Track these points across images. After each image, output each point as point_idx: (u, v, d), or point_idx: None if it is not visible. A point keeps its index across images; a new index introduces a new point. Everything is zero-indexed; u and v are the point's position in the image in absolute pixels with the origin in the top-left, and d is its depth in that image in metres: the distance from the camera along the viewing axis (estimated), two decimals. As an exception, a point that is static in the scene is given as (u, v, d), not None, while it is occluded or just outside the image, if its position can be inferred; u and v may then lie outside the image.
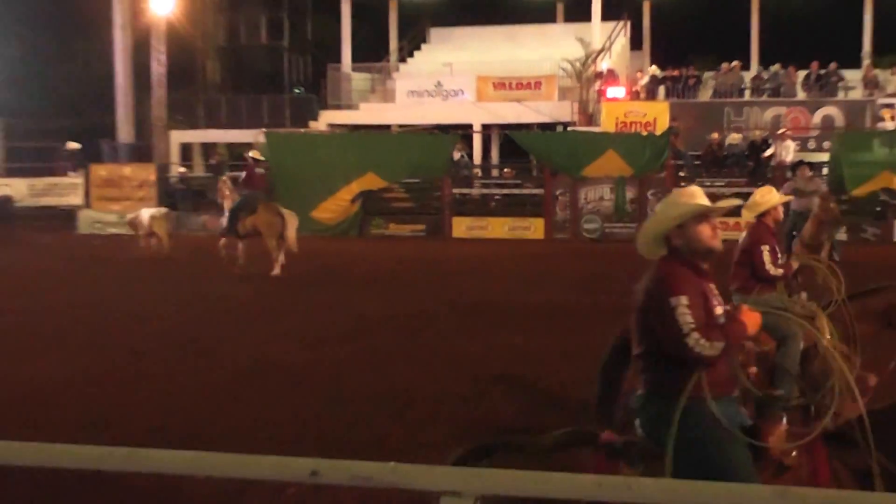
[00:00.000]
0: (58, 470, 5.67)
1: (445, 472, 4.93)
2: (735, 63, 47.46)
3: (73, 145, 46.08)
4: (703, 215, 7.23)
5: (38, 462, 5.59)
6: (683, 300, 6.86)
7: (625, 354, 10.01)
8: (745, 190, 39.58)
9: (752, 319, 7.07)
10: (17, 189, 43.03)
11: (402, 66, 52.77)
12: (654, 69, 48.43)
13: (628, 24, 51.67)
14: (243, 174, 31.75)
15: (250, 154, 32.33)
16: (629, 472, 6.93)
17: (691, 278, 7.08)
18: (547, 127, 46.48)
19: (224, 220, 29.84)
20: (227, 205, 29.87)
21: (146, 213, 34.72)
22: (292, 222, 29.33)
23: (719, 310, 7.17)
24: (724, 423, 6.88)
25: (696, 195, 7.37)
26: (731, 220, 38.03)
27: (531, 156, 43.71)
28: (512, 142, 44.19)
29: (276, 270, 28.18)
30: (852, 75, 46.37)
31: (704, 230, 7.19)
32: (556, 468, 5.63)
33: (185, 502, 9.81)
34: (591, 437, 7.34)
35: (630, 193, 38.87)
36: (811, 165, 29.07)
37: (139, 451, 5.27)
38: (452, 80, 48.39)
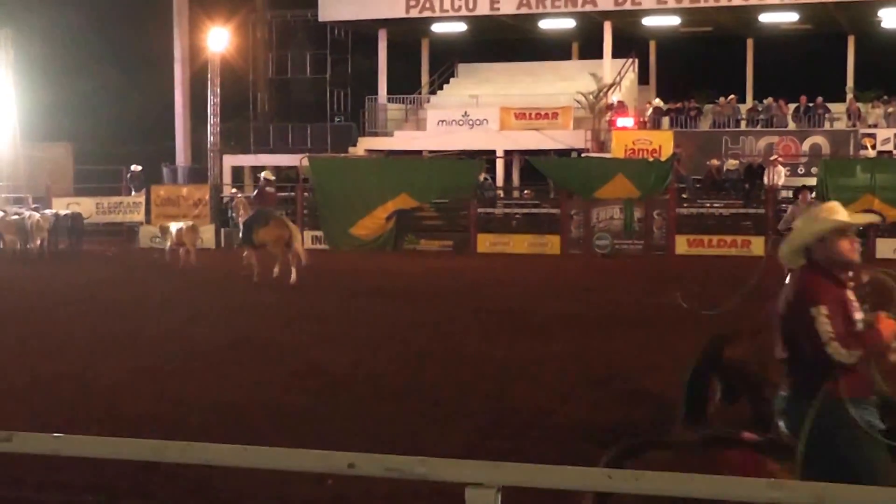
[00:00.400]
0: (120, 461, 5.65)
1: (470, 465, 4.90)
2: (732, 96, 47.46)
3: (136, 168, 46.23)
4: (842, 230, 7.09)
5: (103, 454, 5.58)
6: (823, 310, 6.73)
7: (713, 361, 9.88)
8: (742, 211, 39.72)
9: (888, 327, 6.87)
10: (86, 207, 43.08)
11: (432, 98, 52.79)
12: (658, 102, 48.37)
13: (636, 61, 51.59)
14: (255, 192, 32.29)
15: (262, 174, 32.85)
16: (775, 467, 6.84)
17: (831, 288, 6.93)
18: (563, 153, 46.40)
19: (240, 234, 30.54)
20: (242, 220, 30.33)
21: (175, 226, 35.03)
22: (298, 235, 29.72)
23: (858, 315, 7.00)
24: (862, 424, 6.74)
25: (837, 211, 7.21)
26: (739, 239, 38.20)
27: (548, 179, 43.65)
28: (531, 166, 44.17)
29: (294, 278, 27.99)
30: (837, 108, 46.30)
31: (844, 244, 7.03)
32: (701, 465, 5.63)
33: (235, 490, 9.80)
34: (733, 437, 7.27)
35: (637, 213, 38.77)
36: (811, 190, 28.57)
37: (194, 445, 5.25)
38: (478, 111, 48.39)
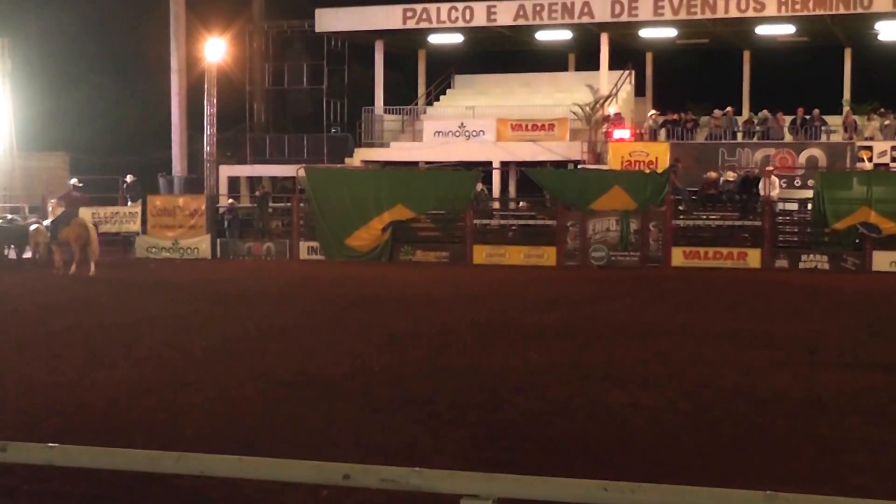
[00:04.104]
0: (115, 471, 5.63)
1: (465, 477, 4.89)
2: (728, 109, 47.47)
3: (130, 178, 46.28)
4: None
5: (98, 464, 5.57)
6: None
7: None
8: (738, 223, 39.71)
9: None
10: (83, 217, 43.14)
11: (429, 109, 52.83)
12: (655, 113, 48.42)
13: (632, 73, 51.72)
14: (63, 195, 37.84)
15: (72, 181, 38.26)
16: None
17: None
18: (559, 165, 46.45)
19: (48, 233, 35.70)
20: (51, 220, 35.67)
21: (33, 227, 38.46)
22: (95, 235, 35.00)
23: None
24: None
25: None
26: (736, 251, 38.24)
27: (545, 191, 43.65)
28: (528, 178, 44.12)
29: (92, 271, 33.72)
30: (834, 120, 46.35)
31: None
32: None
33: (229, 501, 9.77)
34: None
35: (634, 225, 38.74)
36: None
37: (188, 456, 5.24)
38: (474, 122, 48.47)
